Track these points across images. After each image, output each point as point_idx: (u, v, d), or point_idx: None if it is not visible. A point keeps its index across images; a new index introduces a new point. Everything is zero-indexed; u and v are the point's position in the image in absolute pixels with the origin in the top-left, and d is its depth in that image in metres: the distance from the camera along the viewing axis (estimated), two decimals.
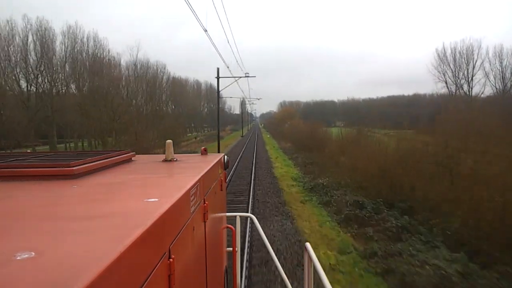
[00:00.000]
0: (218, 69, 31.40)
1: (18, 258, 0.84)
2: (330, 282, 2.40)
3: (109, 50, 51.56)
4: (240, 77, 35.23)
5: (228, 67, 26.47)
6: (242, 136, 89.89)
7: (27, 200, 1.57)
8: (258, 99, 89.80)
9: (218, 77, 31.86)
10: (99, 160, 2.37)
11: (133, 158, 3.08)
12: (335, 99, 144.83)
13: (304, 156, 36.69)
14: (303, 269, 3.26)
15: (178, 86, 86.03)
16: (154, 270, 1.12)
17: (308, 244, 3.11)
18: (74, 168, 2.01)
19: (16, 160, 2.38)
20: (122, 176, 2.28)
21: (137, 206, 1.42)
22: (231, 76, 34.04)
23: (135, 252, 0.96)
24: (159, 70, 63.99)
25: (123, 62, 54.20)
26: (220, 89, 33.31)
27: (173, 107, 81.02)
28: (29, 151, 3.88)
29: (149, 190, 1.88)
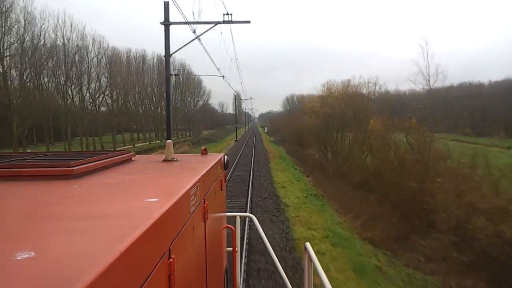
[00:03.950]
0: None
1: (18, 258, 0.84)
2: (331, 283, 2.40)
3: None
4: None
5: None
6: None
7: (27, 200, 1.57)
8: (251, 98, 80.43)
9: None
10: (99, 160, 2.37)
11: (133, 158, 3.08)
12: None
13: None
14: (303, 269, 3.26)
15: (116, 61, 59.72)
16: (154, 270, 1.12)
17: (308, 244, 3.11)
18: (74, 168, 2.01)
19: (16, 160, 2.38)
20: (122, 176, 2.28)
21: (137, 206, 1.41)
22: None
23: (135, 252, 0.96)
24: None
25: None
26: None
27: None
28: (29, 151, 3.88)
29: (149, 190, 1.88)
